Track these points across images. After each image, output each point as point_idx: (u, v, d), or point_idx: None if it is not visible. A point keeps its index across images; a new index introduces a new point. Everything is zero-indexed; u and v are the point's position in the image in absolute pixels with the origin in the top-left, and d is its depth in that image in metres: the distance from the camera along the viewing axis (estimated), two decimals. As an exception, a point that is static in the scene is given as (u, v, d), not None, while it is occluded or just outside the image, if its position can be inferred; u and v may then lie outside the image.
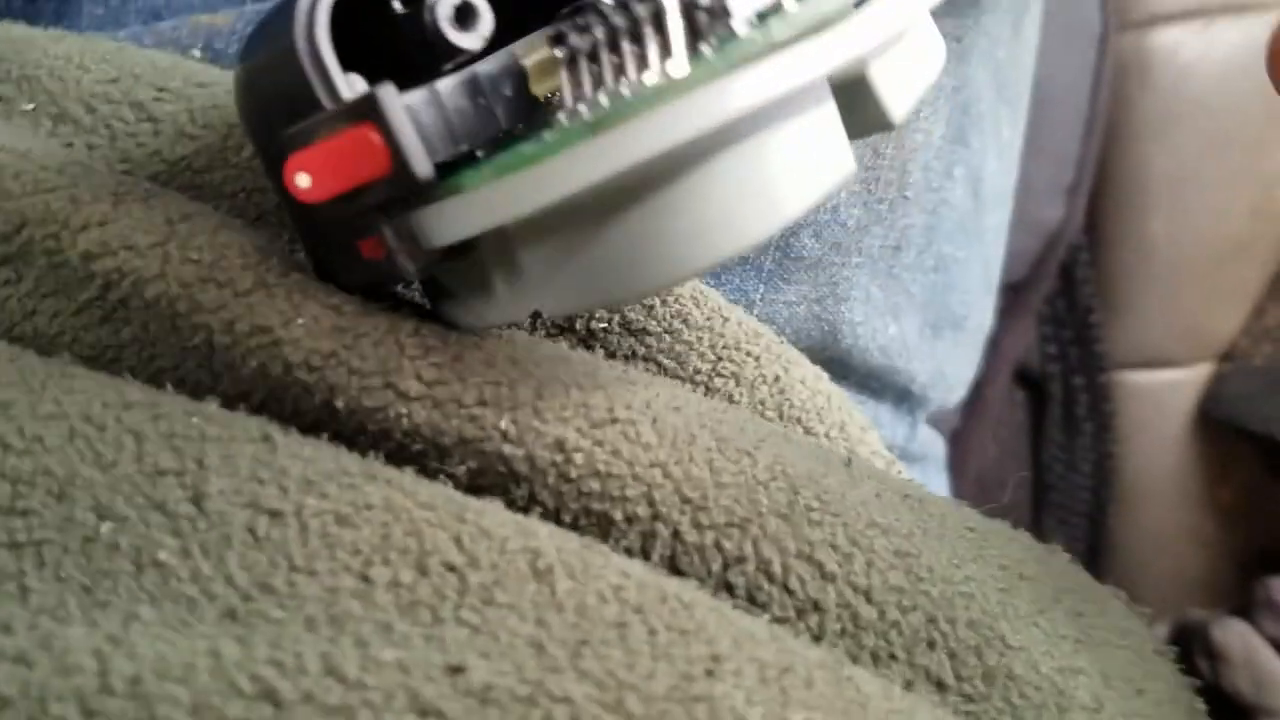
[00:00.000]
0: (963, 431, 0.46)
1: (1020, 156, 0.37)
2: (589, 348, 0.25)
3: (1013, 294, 0.47)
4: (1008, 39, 0.33)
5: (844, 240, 0.31)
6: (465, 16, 0.19)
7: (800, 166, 0.18)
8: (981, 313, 0.37)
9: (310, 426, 0.21)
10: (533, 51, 0.20)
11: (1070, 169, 0.45)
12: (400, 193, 0.18)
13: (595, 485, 0.21)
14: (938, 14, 0.21)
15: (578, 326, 0.26)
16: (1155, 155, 0.46)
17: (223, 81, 0.24)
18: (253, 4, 0.27)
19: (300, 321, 0.20)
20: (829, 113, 0.19)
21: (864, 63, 0.19)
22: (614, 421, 0.21)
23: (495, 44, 0.21)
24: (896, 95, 0.20)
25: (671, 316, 0.26)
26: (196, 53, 0.26)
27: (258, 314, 0.20)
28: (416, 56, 0.20)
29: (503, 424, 0.21)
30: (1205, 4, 0.45)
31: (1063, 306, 0.48)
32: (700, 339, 0.25)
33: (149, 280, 0.20)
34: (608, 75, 0.18)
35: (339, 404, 0.21)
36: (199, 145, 0.23)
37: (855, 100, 0.20)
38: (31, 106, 0.23)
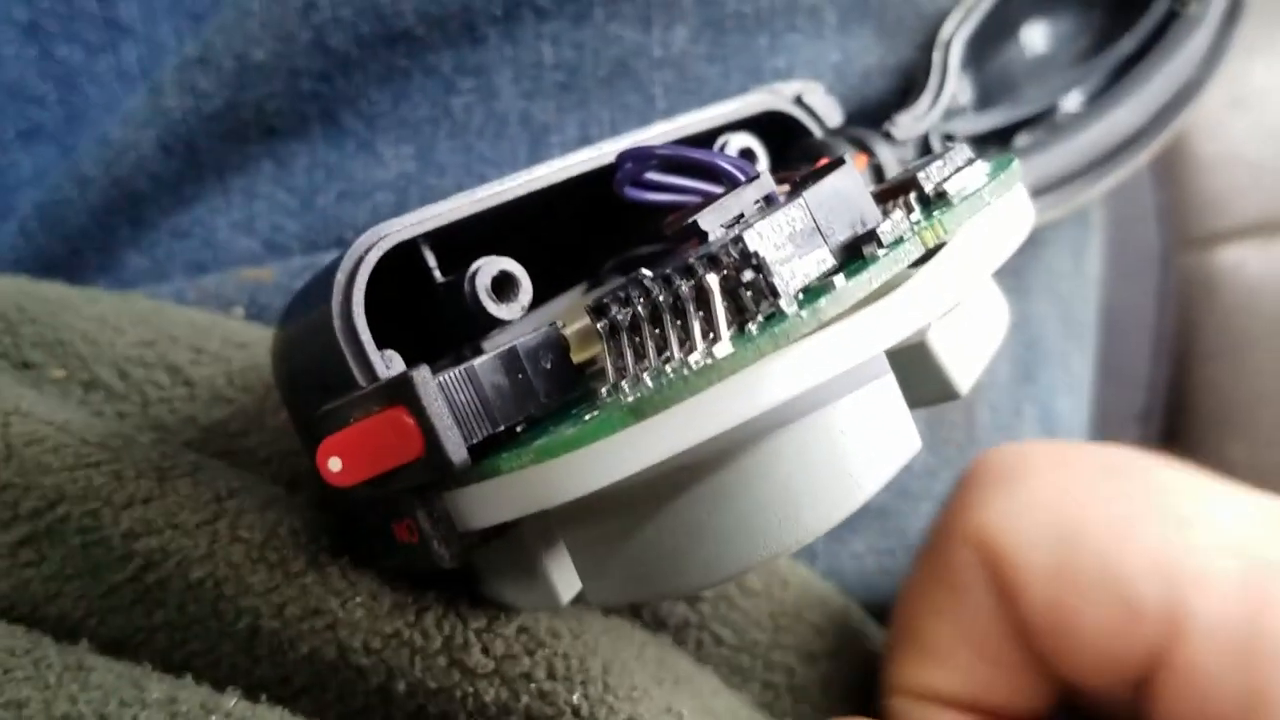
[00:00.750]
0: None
1: (1094, 386, 0.36)
2: (637, 613, 0.24)
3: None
4: (1069, 272, 0.32)
5: (912, 486, 0.29)
6: (504, 286, 0.19)
7: (857, 451, 0.17)
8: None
9: (357, 712, 0.20)
10: (574, 319, 0.19)
11: (1142, 394, 0.43)
12: (433, 477, 0.17)
13: None
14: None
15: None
16: (1228, 377, 0.44)
17: (263, 341, 0.24)
18: (300, 257, 0.27)
19: (359, 600, 0.19)
20: (887, 387, 0.17)
21: (923, 331, 0.18)
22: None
23: (535, 300, 0.20)
24: (960, 363, 0.19)
25: None
26: (239, 310, 0.25)
27: (312, 596, 0.19)
28: (455, 325, 0.19)
29: (574, 698, 0.20)
30: (1266, 219, 0.44)
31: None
32: (757, 606, 0.24)
33: (195, 561, 0.20)
34: (650, 350, 0.17)
35: (398, 686, 0.19)
36: (235, 409, 0.23)
37: (915, 368, 0.19)
38: (63, 374, 0.22)
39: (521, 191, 0.19)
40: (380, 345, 0.18)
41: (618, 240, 0.23)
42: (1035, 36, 0.30)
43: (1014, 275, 0.30)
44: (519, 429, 0.18)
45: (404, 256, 0.19)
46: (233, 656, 0.20)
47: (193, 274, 0.27)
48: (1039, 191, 0.26)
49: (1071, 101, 0.29)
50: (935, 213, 0.18)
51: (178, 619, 0.20)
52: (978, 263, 0.17)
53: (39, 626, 0.20)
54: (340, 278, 0.18)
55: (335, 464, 0.17)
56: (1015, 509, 0.22)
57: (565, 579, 0.20)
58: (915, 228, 0.17)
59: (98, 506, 0.20)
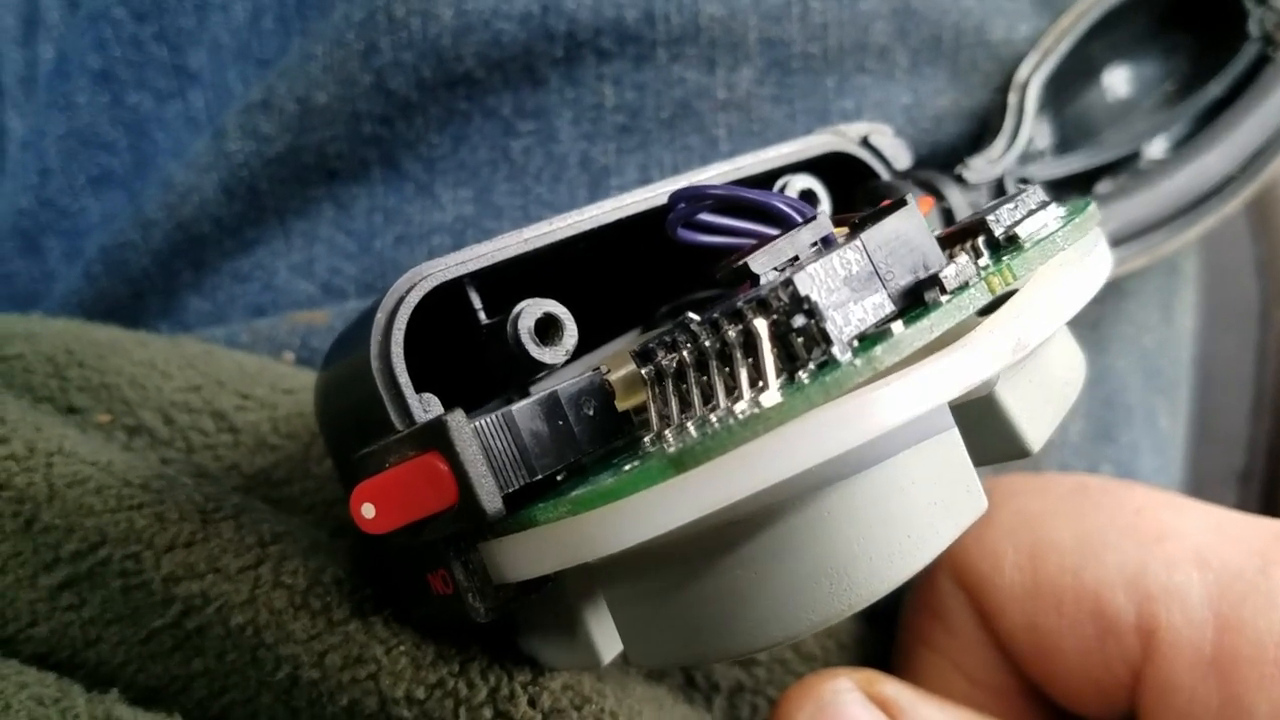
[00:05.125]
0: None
1: (1187, 445, 0.34)
2: (690, 678, 0.23)
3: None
4: (1156, 324, 0.30)
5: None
6: (548, 329, 0.18)
7: (917, 509, 0.15)
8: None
9: None
10: (619, 366, 0.18)
11: (1241, 453, 0.41)
12: (467, 526, 0.17)
13: None
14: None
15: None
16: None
17: (310, 386, 0.23)
18: (356, 300, 0.27)
19: (402, 648, 0.19)
20: (950, 442, 0.16)
21: (990, 383, 0.17)
22: None
23: (590, 345, 0.19)
24: (1032, 418, 0.17)
25: None
26: (290, 354, 0.25)
27: (355, 644, 0.19)
28: (501, 368, 0.18)
29: None
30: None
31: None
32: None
33: (236, 607, 0.19)
34: (695, 398, 0.16)
35: None
36: (280, 456, 0.23)
37: (982, 423, 0.17)
38: (108, 418, 0.22)
39: (570, 232, 0.19)
40: (429, 388, 0.18)
41: (677, 285, 0.22)
42: (1118, 80, 0.29)
43: (1092, 327, 0.29)
44: (560, 478, 0.17)
45: (452, 297, 0.19)
46: (271, 708, 0.19)
47: (251, 317, 0.27)
48: (1121, 240, 0.25)
49: (1156, 147, 0.28)
50: (1004, 258, 0.17)
51: (216, 667, 0.19)
52: (1050, 311, 0.16)
53: (76, 673, 0.20)
54: (380, 318, 0.17)
55: (369, 510, 0.17)
56: (989, 533, 0.22)
57: (606, 638, 0.19)
58: (982, 273, 0.16)
59: (139, 549, 0.19)
